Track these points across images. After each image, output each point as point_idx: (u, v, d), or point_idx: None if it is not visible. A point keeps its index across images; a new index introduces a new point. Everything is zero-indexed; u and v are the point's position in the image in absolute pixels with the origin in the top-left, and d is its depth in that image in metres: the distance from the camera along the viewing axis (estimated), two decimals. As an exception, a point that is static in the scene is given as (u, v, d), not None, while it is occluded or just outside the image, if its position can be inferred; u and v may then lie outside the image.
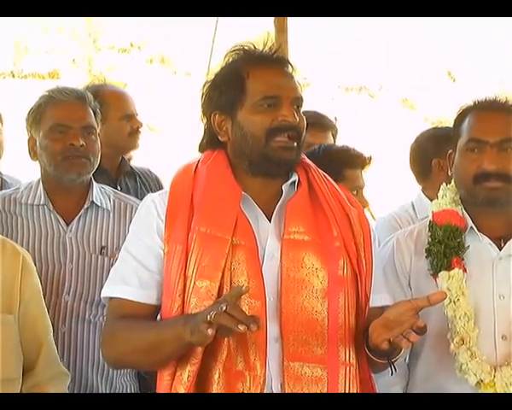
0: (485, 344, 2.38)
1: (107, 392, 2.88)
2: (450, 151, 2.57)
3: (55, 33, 12.62)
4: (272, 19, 4.17)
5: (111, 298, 2.19)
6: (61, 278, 2.84)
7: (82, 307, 2.83)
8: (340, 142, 3.41)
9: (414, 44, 13.35)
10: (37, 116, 2.91)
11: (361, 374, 2.15)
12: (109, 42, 13.05)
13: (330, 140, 3.91)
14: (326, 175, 2.29)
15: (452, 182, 2.58)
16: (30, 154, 2.96)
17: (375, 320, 2.04)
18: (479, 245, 2.46)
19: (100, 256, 2.86)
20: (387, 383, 2.35)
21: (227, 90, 2.18)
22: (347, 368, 2.10)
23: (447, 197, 2.57)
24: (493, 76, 13.23)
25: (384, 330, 2.01)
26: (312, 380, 2.08)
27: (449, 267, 2.42)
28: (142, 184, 3.59)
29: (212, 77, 2.27)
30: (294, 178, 2.22)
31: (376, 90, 13.52)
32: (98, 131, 2.95)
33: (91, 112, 2.93)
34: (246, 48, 2.22)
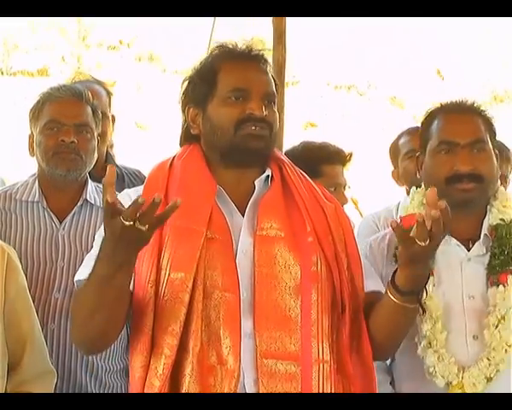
0: (456, 344, 2.39)
1: (96, 390, 2.89)
2: (418, 154, 2.57)
3: (44, 31, 12.59)
4: (270, 20, 4.17)
5: (79, 281, 2.16)
6: (51, 275, 2.84)
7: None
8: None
9: (403, 43, 13.37)
10: (35, 113, 2.93)
11: (339, 371, 2.12)
12: (98, 39, 13.03)
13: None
14: (302, 171, 2.29)
15: (422, 185, 2.58)
16: (29, 150, 2.97)
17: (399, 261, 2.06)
18: (447, 247, 2.43)
19: (92, 255, 2.86)
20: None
21: (200, 83, 2.21)
22: (321, 365, 2.08)
23: (415, 201, 2.58)
24: (481, 75, 13.27)
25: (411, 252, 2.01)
26: (286, 377, 2.06)
27: None
28: (132, 185, 3.50)
29: (190, 73, 2.29)
30: (267, 173, 2.22)
31: (365, 88, 13.53)
32: (98, 130, 2.96)
33: (89, 110, 2.93)
34: (224, 44, 2.24)
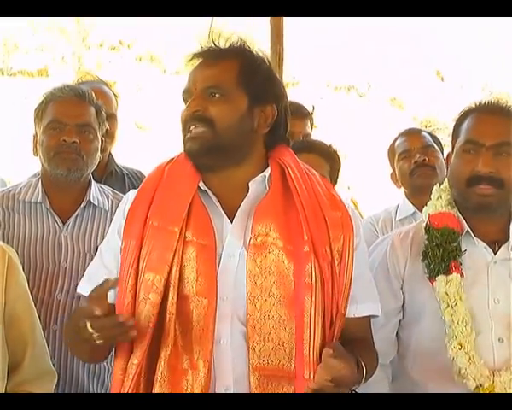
0: (482, 348, 2.36)
1: (98, 391, 2.89)
2: (449, 152, 2.54)
3: (45, 31, 12.58)
4: (268, 20, 4.17)
5: (81, 294, 2.21)
6: (54, 276, 2.85)
7: (74, 306, 2.83)
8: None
9: (403, 44, 13.37)
10: (39, 113, 2.94)
11: None
12: (98, 40, 13.02)
13: (308, 128, 3.97)
14: (310, 173, 2.21)
15: (445, 182, 2.55)
16: (33, 150, 2.97)
17: (318, 369, 2.00)
18: (474, 249, 2.44)
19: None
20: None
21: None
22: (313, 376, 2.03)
23: (442, 199, 2.53)
24: (481, 76, 13.27)
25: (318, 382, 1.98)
26: (279, 390, 2.03)
27: (447, 272, 2.39)
28: (132, 185, 3.49)
29: None
30: (265, 173, 2.16)
31: (365, 89, 13.53)
32: (102, 131, 2.96)
33: (91, 110, 2.93)
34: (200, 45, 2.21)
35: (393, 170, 3.89)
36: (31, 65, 12.24)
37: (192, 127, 2.10)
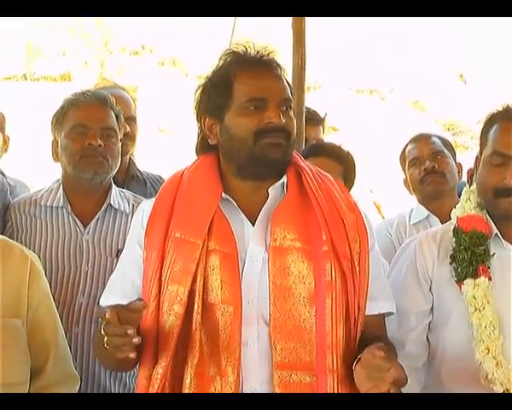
0: (510, 352, 2.34)
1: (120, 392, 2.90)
2: (477, 155, 2.51)
3: (67, 36, 12.64)
4: (290, 22, 4.16)
5: (102, 306, 2.23)
6: (76, 279, 2.87)
7: (96, 309, 2.84)
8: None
9: (425, 47, 13.32)
10: (59, 118, 2.96)
11: (350, 378, 2.10)
12: (120, 44, 13.06)
13: (321, 134, 4.02)
14: (324, 177, 2.25)
15: (474, 184, 2.53)
16: (52, 155, 3.00)
17: (358, 370, 2.01)
18: (502, 252, 2.42)
19: (116, 259, 2.82)
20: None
21: (215, 93, 2.19)
22: (335, 375, 2.08)
23: (471, 202, 2.51)
24: (505, 79, 13.20)
25: (369, 382, 1.98)
26: (301, 387, 2.07)
27: (475, 275, 2.38)
28: (153, 190, 3.53)
29: (204, 81, 2.27)
30: (283, 180, 2.19)
31: (387, 92, 13.49)
32: (120, 135, 2.98)
33: (113, 115, 2.96)
34: (236, 50, 2.20)
35: (406, 176, 3.89)
36: (54, 70, 12.30)
37: (275, 136, 2.12)
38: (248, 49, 2.19)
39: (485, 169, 2.43)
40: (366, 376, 1.98)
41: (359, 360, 2.03)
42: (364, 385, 1.99)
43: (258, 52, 2.19)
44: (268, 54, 2.19)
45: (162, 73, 13.11)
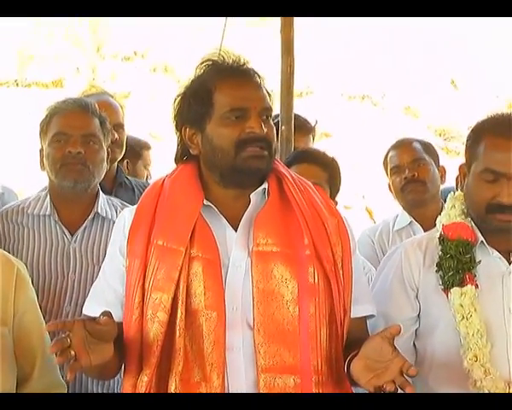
0: (497, 359, 2.34)
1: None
2: (462, 164, 2.49)
3: (59, 42, 12.63)
4: (278, 29, 4.16)
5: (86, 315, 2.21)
6: (63, 288, 2.86)
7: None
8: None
9: (417, 53, 13.35)
10: (43, 127, 2.96)
11: (337, 382, 2.13)
12: (113, 50, 13.06)
13: (311, 143, 4.01)
14: (304, 183, 2.26)
15: (459, 190, 2.52)
16: (40, 164, 3.00)
17: (356, 362, 2.03)
18: (488, 259, 2.42)
19: (104, 268, 2.86)
20: None
21: (195, 103, 2.18)
22: (320, 377, 2.09)
23: (456, 209, 2.49)
24: (496, 85, 13.23)
25: (369, 373, 2.00)
26: (285, 391, 2.07)
27: (461, 283, 2.37)
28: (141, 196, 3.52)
29: (182, 90, 2.26)
30: (264, 186, 2.20)
31: (379, 98, 13.51)
32: (107, 141, 2.97)
33: (95, 121, 2.95)
34: (214, 60, 2.21)
35: (389, 181, 3.89)
36: (45, 76, 12.29)
37: (257, 146, 2.13)
38: (226, 58, 2.20)
39: (477, 184, 2.40)
40: (365, 367, 2.00)
41: (355, 355, 2.04)
42: (364, 376, 2.01)
43: (235, 61, 2.20)
44: (243, 64, 2.20)
45: (154, 79, 13.11)
